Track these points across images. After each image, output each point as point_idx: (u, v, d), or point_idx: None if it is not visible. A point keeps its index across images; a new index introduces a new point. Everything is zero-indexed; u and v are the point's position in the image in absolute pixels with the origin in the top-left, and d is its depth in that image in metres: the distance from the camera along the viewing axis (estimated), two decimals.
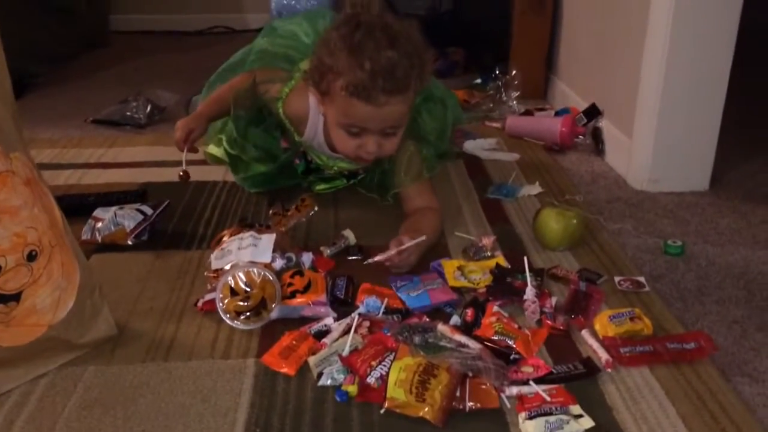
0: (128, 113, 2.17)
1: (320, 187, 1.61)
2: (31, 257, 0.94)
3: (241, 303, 1.13)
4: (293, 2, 1.96)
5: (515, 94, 2.27)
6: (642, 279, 1.25)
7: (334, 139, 1.38)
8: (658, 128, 1.62)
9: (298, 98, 1.44)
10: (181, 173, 1.50)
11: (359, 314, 1.12)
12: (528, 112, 2.18)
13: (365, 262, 1.27)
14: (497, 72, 2.33)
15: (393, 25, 1.27)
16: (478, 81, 2.43)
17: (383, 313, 1.14)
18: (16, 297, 0.93)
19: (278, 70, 1.52)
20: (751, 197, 1.63)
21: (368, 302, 1.16)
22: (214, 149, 1.68)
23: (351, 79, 1.23)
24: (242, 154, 1.53)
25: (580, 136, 1.93)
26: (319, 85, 1.31)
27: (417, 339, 1.04)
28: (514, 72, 2.30)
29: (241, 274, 1.15)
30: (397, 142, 1.35)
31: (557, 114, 2.09)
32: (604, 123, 1.90)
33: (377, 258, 1.25)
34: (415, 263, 1.28)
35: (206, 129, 1.50)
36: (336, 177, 1.58)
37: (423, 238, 1.27)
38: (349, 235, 1.38)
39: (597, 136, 1.90)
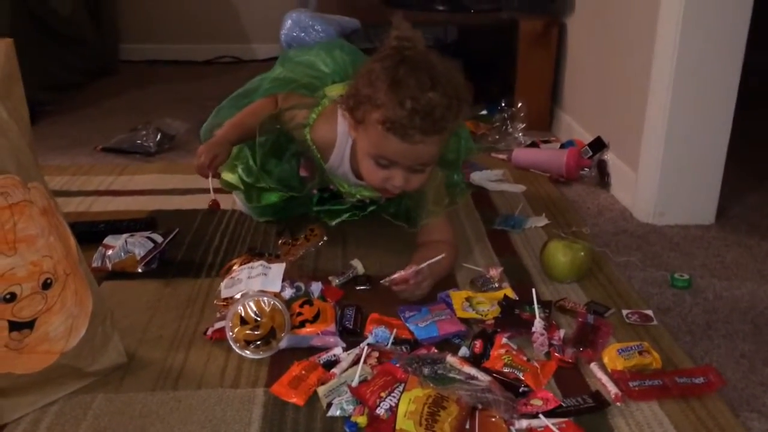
0: (138, 141, 2.19)
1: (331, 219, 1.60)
2: (46, 285, 0.95)
3: (251, 332, 1.14)
4: (302, 34, 1.98)
5: (521, 126, 2.30)
6: (650, 312, 1.25)
7: (362, 168, 1.38)
8: (663, 161, 1.64)
9: (326, 124, 1.44)
10: (211, 202, 1.50)
11: (368, 344, 1.13)
12: (534, 144, 2.20)
13: (381, 281, 1.28)
14: (503, 104, 2.36)
15: (437, 65, 1.27)
16: (484, 112, 2.45)
17: (392, 343, 1.15)
18: (30, 325, 0.94)
19: (302, 96, 1.52)
20: (757, 230, 1.64)
21: (377, 332, 1.16)
22: (228, 175, 1.68)
23: (390, 115, 1.23)
24: (258, 183, 1.54)
25: (586, 169, 1.95)
26: (354, 112, 1.31)
27: (426, 370, 1.05)
28: (519, 104, 2.33)
29: (251, 303, 1.15)
30: (424, 179, 1.35)
31: (563, 146, 2.11)
32: (609, 156, 1.91)
33: (394, 276, 1.26)
34: (427, 291, 1.28)
35: (230, 154, 1.49)
36: (348, 210, 1.58)
37: (441, 256, 1.29)
38: (358, 265, 1.39)
39: (602, 168, 1.92)
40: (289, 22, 2.03)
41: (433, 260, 1.27)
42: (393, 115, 1.23)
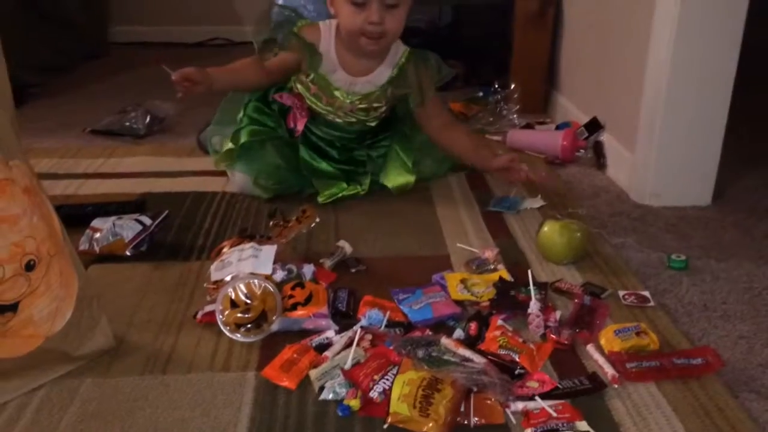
0: (127, 124, 2.16)
1: (322, 198, 1.60)
2: (30, 267, 0.92)
3: (242, 315, 1.12)
4: (293, 16, 1.96)
5: (515, 107, 2.27)
6: (647, 293, 1.24)
7: (342, 21, 1.53)
8: (660, 142, 1.62)
9: (309, 28, 1.61)
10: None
11: (361, 327, 1.11)
12: (529, 126, 2.18)
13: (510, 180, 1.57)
14: (497, 86, 2.33)
15: None
16: (480, 94, 2.42)
17: (385, 326, 1.13)
18: (14, 307, 0.91)
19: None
20: (754, 212, 1.63)
21: (370, 315, 1.14)
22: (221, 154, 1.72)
23: None
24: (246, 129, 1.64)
25: (582, 150, 1.92)
26: None
27: (420, 353, 1.03)
28: (513, 86, 2.30)
29: (242, 286, 1.13)
30: (399, 18, 1.50)
31: (558, 127, 2.08)
32: (605, 137, 1.89)
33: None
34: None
35: (206, 89, 1.54)
36: (340, 177, 1.65)
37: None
38: (345, 245, 1.37)
39: (598, 150, 1.90)
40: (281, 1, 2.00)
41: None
42: None
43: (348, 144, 1.69)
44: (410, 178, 1.66)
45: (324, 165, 1.66)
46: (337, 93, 1.61)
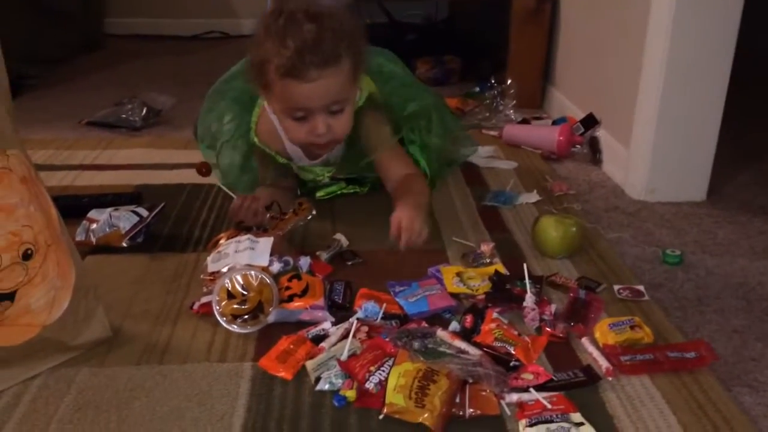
0: (123, 115, 2.16)
1: (320, 193, 1.60)
2: (27, 256, 0.92)
3: (238, 306, 1.12)
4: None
5: (511, 103, 2.28)
6: (641, 288, 1.24)
7: (287, 132, 1.39)
8: (655, 138, 1.62)
9: (264, 121, 1.47)
10: (201, 166, 1.50)
11: (357, 319, 1.11)
12: (525, 121, 2.18)
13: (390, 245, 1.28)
14: (493, 81, 2.34)
15: (315, 7, 1.28)
16: (476, 90, 2.43)
17: (381, 318, 1.13)
18: (11, 296, 0.91)
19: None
20: (749, 208, 1.64)
21: (367, 307, 1.14)
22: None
23: (279, 61, 1.24)
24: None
25: (578, 146, 1.93)
26: (258, 81, 1.32)
27: (416, 344, 1.03)
28: (509, 81, 2.30)
29: (239, 277, 1.13)
30: (347, 120, 1.35)
31: (554, 123, 2.09)
32: (601, 132, 1.90)
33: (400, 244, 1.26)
34: (425, 229, 1.27)
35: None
36: (334, 183, 1.59)
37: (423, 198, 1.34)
38: (341, 238, 1.38)
39: (594, 145, 1.90)
40: None
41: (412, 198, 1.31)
42: (282, 59, 1.24)
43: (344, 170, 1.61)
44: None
45: (325, 187, 1.63)
46: (316, 170, 1.56)
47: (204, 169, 1.51)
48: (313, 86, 1.26)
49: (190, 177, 1.73)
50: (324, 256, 1.33)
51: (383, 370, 0.98)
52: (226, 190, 1.46)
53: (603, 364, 1.03)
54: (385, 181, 1.48)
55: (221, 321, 1.12)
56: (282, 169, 1.54)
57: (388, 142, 1.46)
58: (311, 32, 1.23)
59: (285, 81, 1.26)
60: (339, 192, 1.62)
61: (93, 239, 1.36)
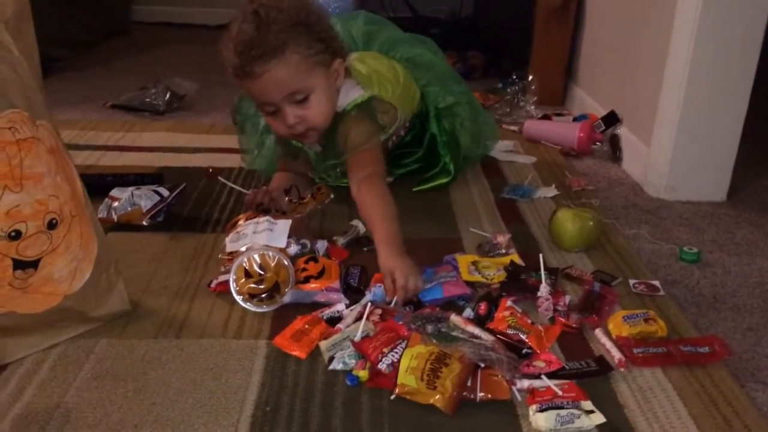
0: (147, 100, 2.18)
1: (345, 180, 1.60)
2: (52, 225, 0.94)
3: (255, 285, 1.13)
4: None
5: (533, 99, 2.28)
6: (657, 283, 1.24)
7: (270, 127, 1.43)
8: (677, 137, 1.62)
9: None
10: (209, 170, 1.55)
11: (371, 302, 1.12)
12: (546, 117, 2.18)
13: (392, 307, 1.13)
14: (515, 77, 2.34)
15: (262, 3, 1.28)
16: (499, 85, 2.43)
17: (394, 304, 1.14)
18: (35, 264, 0.94)
19: None
20: None
21: (376, 291, 1.15)
22: None
23: (229, 64, 1.28)
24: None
25: (598, 143, 1.92)
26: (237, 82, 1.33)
27: (430, 328, 1.04)
28: (531, 77, 2.30)
29: (256, 257, 1.15)
30: (317, 107, 1.32)
31: (575, 120, 2.08)
32: (622, 130, 1.89)
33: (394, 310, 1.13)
34: (420, 281, 1.15)
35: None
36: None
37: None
38: (358, 225, 1.39)
39: (615, 143, 1.90)
40: None
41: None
42: (231, 63, 1.27)
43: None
44: (447, 179, 1.62)
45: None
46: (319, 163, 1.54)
47: (211, 170, 1.57)
48: (263, 80, 1.27)
49: (212, 161, 1.75)
50: (341, 241, 1.35)
51: (396, 352, 0.99)
52: (232, 185, 1.51)
53: (615, 355, 1.03)
54: (350, 183, 1.40)
55: (238, 299, 1.13)
56: (295, 151, 1.56)
57: (360, 146, 1.38)
58: (249, 29, 1.25)
59: (241, 82, 1.30)
60: None
61: (114, 217, 1.38)
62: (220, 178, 1.55)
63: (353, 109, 1.40)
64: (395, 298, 1.12)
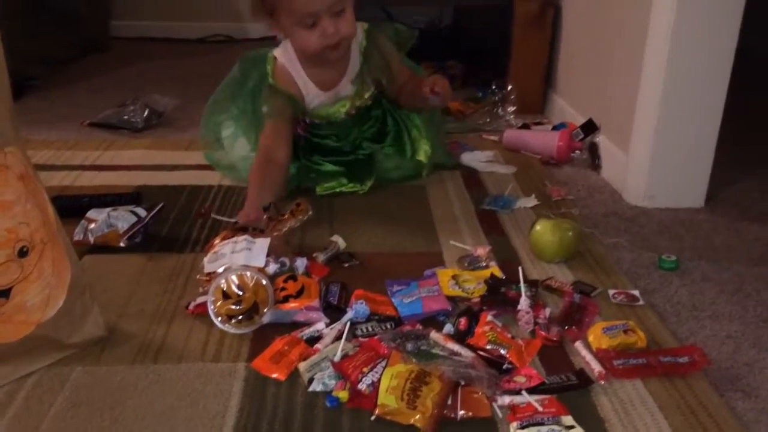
0: (125, 117, 2.17)
1: (320, 189, 1.65)
2: (22, 253, 0.93)
3: (233, 306, 1.12)
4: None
5: (512, 108, 2.28)
6: (636, 292, 1.25)
7: (301, 46, 1.56)
8: (654, 145, 1.62)
9: (279, 71, 1.62)
10: (203, 210, 1.56)
11: (350, 321, 1.11)
12: (525, 126, 2.19)
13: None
14: (494, 86, 2.34)
15: None
16: (478, 95, 2.43)
17: (375, 321, 1.13)
18: (6, 293, 0.92)
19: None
20: (746, 215, 1.63)
21: (356, 308, 1.14)
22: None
23: None
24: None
25: (577, 151, 1.93)
26: (268, 10, 1.52)
27: (409, 346, 1.04)
28: (510, 86, 2.31)
29: (234, 278, 1.14)
30: (350, 19, 1.53)
31: (554, 128, 2.09)
32: (601, 138, 1.90)
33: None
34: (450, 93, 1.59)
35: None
36: (343, 174, 1.67)
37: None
38: (338, 240, 1.38)
39: (594, 151, 1.91)
40: None
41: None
42: None
43: (349, 132, 1.71)
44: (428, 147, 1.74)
45: (329, 167, 1.69)
46: (330, 110, 1.66)
47: (203, 210, 1.57)
48: None
49: (190, 178, 1.74)
50: (321, 257, 1.34)
51: (376, 372, 0.98)
52: (227, 220, 1.51)
53: (596, 367, 1.03)
54: (400, 93, 1.71)
55: (216, 321, 1.12)
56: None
57: (397, 64, 1.69)
58: None
59: None
60: (339, 189, 1.64)
61: (91, 239, 1.37)
62: (214, 215, 1.54)
63: (369, 36, 1.64)
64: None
